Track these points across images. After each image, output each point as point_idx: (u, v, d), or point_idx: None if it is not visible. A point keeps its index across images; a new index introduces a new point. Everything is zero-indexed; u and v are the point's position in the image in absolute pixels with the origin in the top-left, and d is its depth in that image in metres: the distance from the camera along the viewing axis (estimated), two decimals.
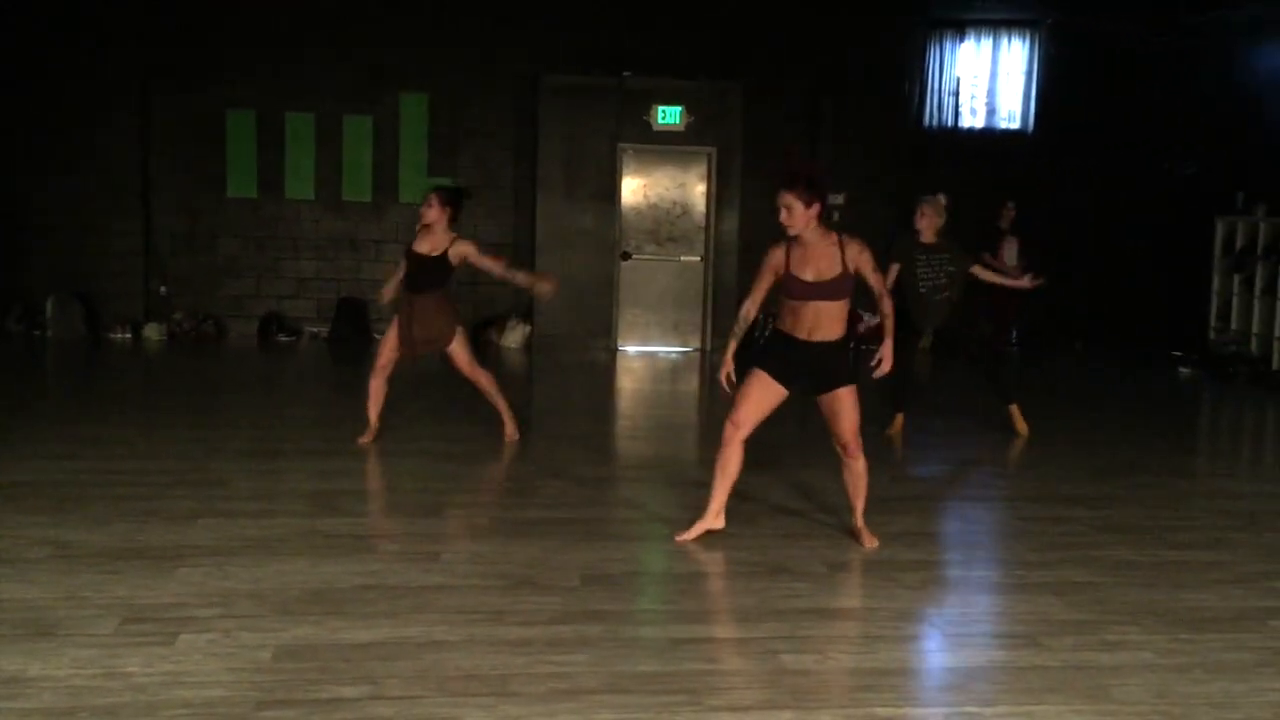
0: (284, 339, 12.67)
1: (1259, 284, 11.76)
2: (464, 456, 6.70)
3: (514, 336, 12.85)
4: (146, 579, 4.22)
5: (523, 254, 13.23)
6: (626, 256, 12.85)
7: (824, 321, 4.77)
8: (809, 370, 4.81)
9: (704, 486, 6.31)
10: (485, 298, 13.28)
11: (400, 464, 6.46)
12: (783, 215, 4.68)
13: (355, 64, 12.73)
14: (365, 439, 6.80)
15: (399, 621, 3.86)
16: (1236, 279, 12.16)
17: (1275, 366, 11.27)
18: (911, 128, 13.51)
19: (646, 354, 12.71)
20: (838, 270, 4.71)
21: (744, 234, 12.94)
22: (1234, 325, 12.17)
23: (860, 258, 4.75)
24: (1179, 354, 12.20)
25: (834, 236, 4.74)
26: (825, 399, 4.85)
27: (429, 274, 6.72)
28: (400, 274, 6.93)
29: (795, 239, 4.73)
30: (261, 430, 7.30)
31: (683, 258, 12.93)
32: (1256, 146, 12.06)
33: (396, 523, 5.17)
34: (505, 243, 13.33)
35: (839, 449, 4.93)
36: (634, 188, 12.87)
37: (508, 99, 12.96)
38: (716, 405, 10.28)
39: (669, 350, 12.89)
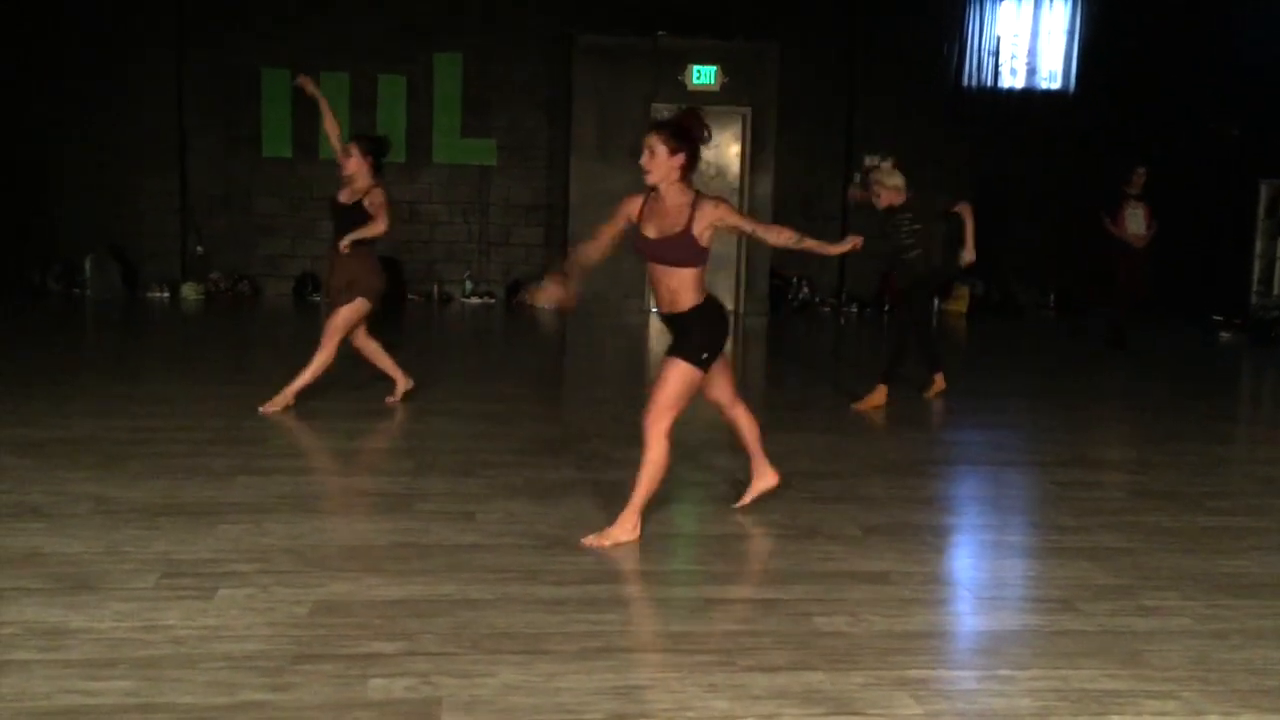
0: (318, 299, 12.75)
1: None
2: (496, 417, 6.73)
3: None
4: (186, 534, 4.27)
5: (557, 215, 13.23)
6: None
7: (671, 295, 4.36)
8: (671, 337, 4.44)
9: (736, 449, 6.31)
10: (520, 259, 13.30)
11: (433, 424, 6.49)
12: (644, 157, 4.33)
13: (389, 22, 12.71)
14: (398, 394, 6.83)
15: (434, 579, 3.89)
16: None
17: None
18: (950, 88, 13.34)
19: None
20: (680, 228, 4.30)
21: (778, 195, 12.86)
22: (1276, 289, 11.99)
23: (717, 213, 4.33)
24: (1220, 318, 12.05)
25: (691, 195, 4.35)
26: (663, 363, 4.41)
27: (349, 223, 6.56)
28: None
29: (654, 192, 4.39)
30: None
31: None
32: None
33: (431, 482, 5.21)
34: (539, 204, 13.33)
35: (647, 415, 4.37)
36: None
37: (542, 59, 12.91)
38: (750, 369, 10.26)
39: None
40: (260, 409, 6.48)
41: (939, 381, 7.71)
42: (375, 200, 6.46)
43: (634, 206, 4.46)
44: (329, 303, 6.73)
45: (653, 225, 4.36)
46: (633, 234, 4.45)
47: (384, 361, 6.92)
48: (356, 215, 6.49)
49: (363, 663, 3.19)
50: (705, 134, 4.42)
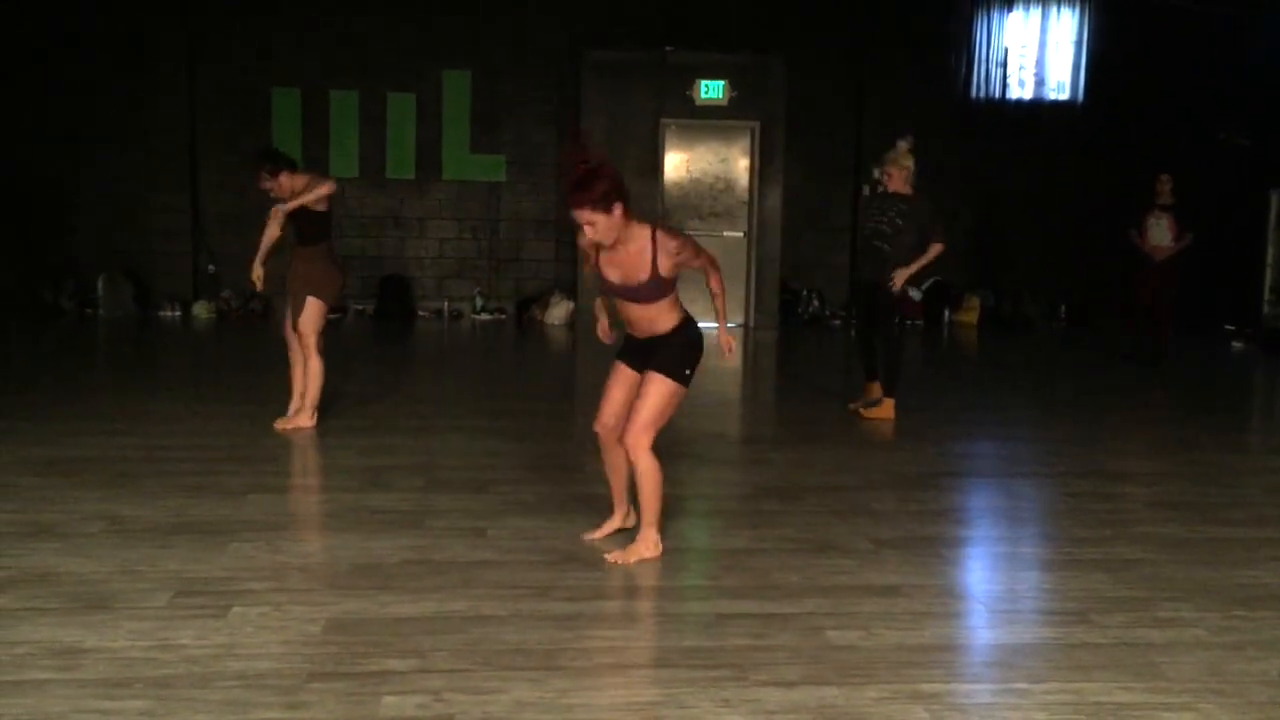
0: (330, 317, 12.77)
1: None
2: (508, 433, 6.73)
3: (557, 313, 12.88)
4: (199, 553, 4.28)
5: (566, 230, 13.24)
6: None
7: (649, 324, 4.31)
8: (645, 355, 4.37)
9: (747, 463, 6.31)
10: (530, 274, 13.33)
11: (445, 441, 6.50)
12: (587, 232, 4.09)
13: (399, 41, 12.78)
14: (290, 422, 6.60)
15: (447, 596, 3.89)
16: None
17: None
18: (958, 99, 13.36)
19: None
20: (645, 274, 4.17)
21: (787, 209, 12.87)
22: None
23: (679, 259, 4.20)
24: (1232, 328, 12.01)
25: (647, 231, 4.18)
26: (642, 378, 4.33)
27: (307, 222, 6.83)
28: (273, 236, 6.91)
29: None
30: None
31: (725, 233, 12.88)
32: None
33: (442, 498, 5.21)
34: (548, 220, 13.35)
35: (626, 432, 4.29)
36: (676, 163, 12.83)
37: (550, 75, 12.96)
38: (760, 382, 10.25)
39: (711, 326, 12.83)
40: (276, 425, 6.50)
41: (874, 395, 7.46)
42: (311, 183, 6.73)
43: (587, 248, 4.26)
44: (293, 306, 6.78)
45: (614, 270, 4.24)
46: (596, 275, 4.34)
47: (298, 380, 6.70)
48: (308, 214, 6.77)
49: (376, 680, 3.20)
50: (590, 146, 4.18)
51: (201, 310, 12.68)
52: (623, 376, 4.45)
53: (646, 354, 4.36)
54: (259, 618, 3.64)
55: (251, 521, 4.74)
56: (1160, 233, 9.90)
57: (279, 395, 7.01)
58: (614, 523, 4.68)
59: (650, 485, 4.28)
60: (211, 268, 12.90)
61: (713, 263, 4.46)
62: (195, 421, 6.84)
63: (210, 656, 3.33)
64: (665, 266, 4.19)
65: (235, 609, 3.71)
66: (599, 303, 4.58)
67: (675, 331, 4.33)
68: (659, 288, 4.23)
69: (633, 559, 4.31)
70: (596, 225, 4.06)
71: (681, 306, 4.38)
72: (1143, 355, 10.16)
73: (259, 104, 12.71)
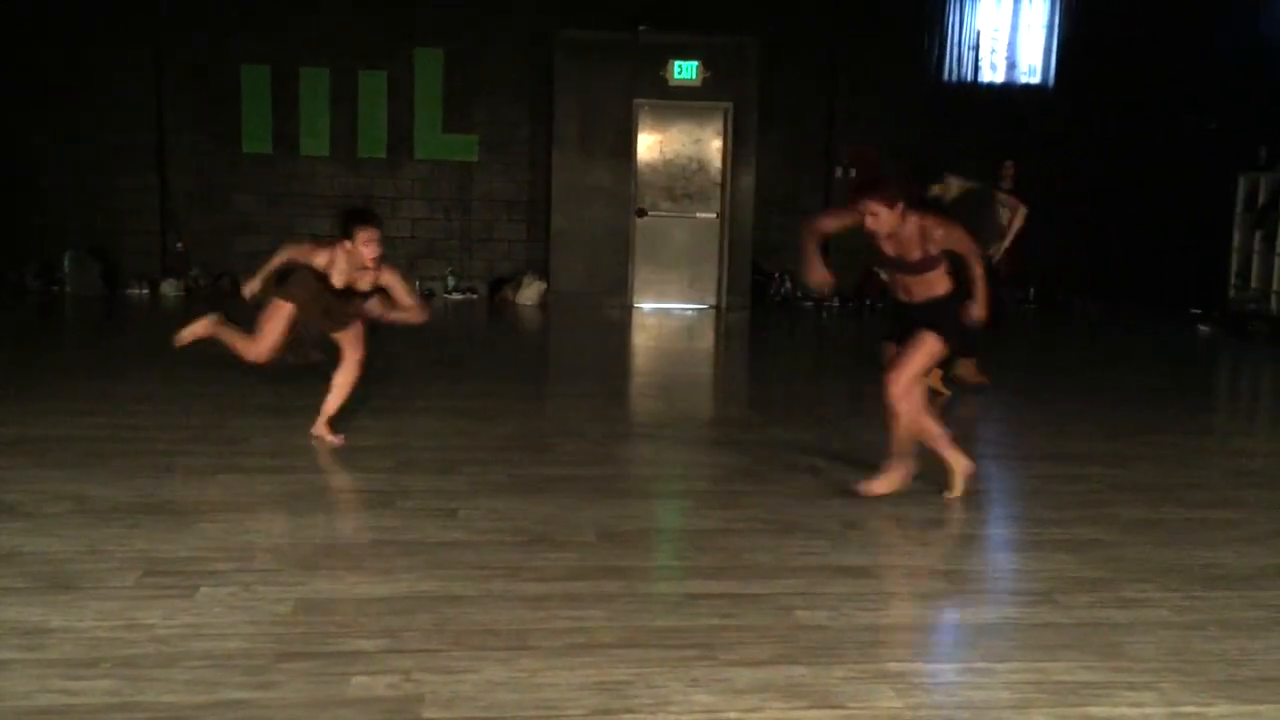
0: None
1: None
2: (479, 413, 6.72)
3: (529, 293, 12.86)
4: (166, 533, 4.26)
5: (539, 210, 13.22)
6: (642, 213, 12.81)
7: (924, 288, 4.98)
8: (912, 324, 5.03)
9: (718, 444, 6.33)
10: (502, 254, 13.29)
11: (415, 421, 6.49)
12: (869, 220, 4.85)
13: (369, 18, 12.67)
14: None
15: (416, 576, 3.89)
16: (1258, 236, 12.06)
17: None
18: (930, 82, 13.39)
19: (661, 311, 12.70)
20: (918, 254, 4.89)
21: (760, 190, 12.88)
22: (1254, 283, 12.08)
23: (947, 240, 4.90)
24: (1198, 311, 12.13)
25: (918, 222, 4.88)
26: (911, 338, 5.00)
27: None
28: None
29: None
30: (278, 387, 7.34)
31: (698, 214, 12.88)
32: None
33: (413, 479, 5.20)
34: (521, 200, 13.31)
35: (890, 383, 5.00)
36: (650, 144, 12.81)
37: (523, 54, 12.89)
38: (732, 362, 10.28)
39: (684, 307, 12.88)
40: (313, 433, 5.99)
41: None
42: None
43: (868, 221, 4.88)
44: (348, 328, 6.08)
45: (891, 244, 4.93)
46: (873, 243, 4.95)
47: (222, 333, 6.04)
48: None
49: (345, 660, 3.19)
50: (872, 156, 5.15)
51: (169, 289, 12.57)
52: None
53: (916, 318, 5.00)
54: (227, 597, 3.63)
55: (220, 501, 4.72)
56: (1006, 214, 10.68)
57: (247, 375, 6.96)
58: (894, 480, 5.10)
59: (912, 425, 5.00)
60: (180, 246, 12.78)
61: (974, 252, 5.05)
62: (163, 401, 6.79)
63: (178, 636, 3.32)
64: (935, 249, 4.91)
65: (203, 589, 3.70)
66: (811, 246, 5.09)
67: (951, 295, 4.99)
68: (929, 262, 4.92)
69: (878, 490, 5.01)
70: (879, 216, 4.82)
71: (949, 277, 5.00)
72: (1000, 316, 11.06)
73: (228, 81, 12.58)
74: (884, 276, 5.29)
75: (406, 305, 5.84)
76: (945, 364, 7.65)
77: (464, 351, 8.74)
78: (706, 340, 11.29)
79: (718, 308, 12.85)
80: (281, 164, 12.82)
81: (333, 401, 5.98)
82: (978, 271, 5.00)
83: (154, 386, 7.24)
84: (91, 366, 8.28)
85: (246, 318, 5.99)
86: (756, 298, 13.12)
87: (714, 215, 12.87)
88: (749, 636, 3.47)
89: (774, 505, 4.93)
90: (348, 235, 5.61)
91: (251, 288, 5.86)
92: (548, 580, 3.90)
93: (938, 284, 4.99)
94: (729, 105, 12.61)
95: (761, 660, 3.29)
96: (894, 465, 5.10)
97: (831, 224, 5.19)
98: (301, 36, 12.58)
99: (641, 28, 12.37)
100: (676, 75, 12.52)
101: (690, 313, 12.69)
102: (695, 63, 12.49)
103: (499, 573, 3.95)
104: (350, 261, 5.65)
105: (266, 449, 5.69)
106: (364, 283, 5.74)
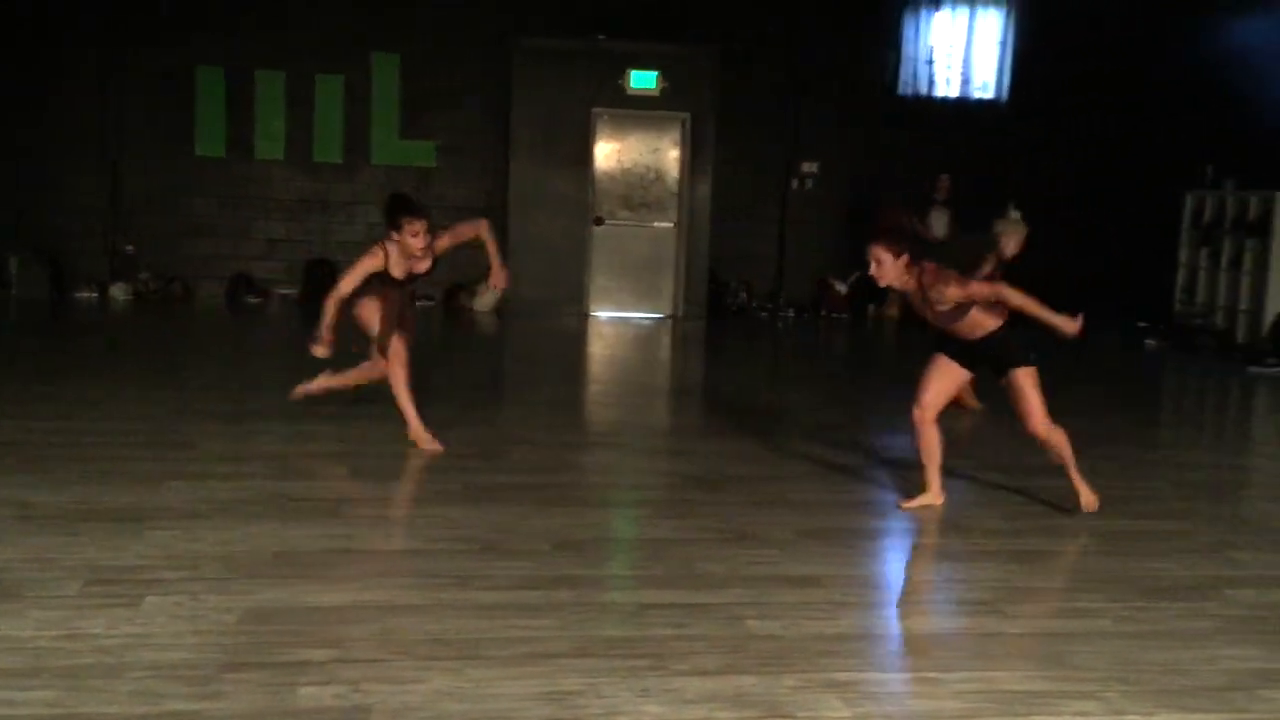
0: (253, 300, 12.58)
1: (1225, 257, 11.88)
2: (432, 420, 6.67)
3: (485, 300, 12.81)
4: (112, 541, 4.20)
5: (495, 217, 13.14)
6: (599, 222, 12.82)
7: (970, 329, 4.96)
8: (980, 359, 5.07)
9: (672, 453, 6.34)
10: (459, 261, 13.21)
11: (368, 428, 6.44)
12: (872, 267, 4.81)
13: (327, 21, 12.59)
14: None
15: (366, 585, 3.86)
16: (1204, 252, 12.27)
17: (1240, 340, 11.41)
18: (886, 96, 13.51)
19: (618, 320, 12.71)
20: (945, 306, 4.87)
21: (717, 200, 12.93)
22: (1200, 298, 12.30)
23: (958, 294, 4.84)
24: (1145, 325, 12.32)
25: (929, 277, 4.81)
26: (1007, 381, 5.05)
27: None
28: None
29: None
30: (230, 392, 7.26)
31: (655, 223, 12.91)
32: (1227, 119, 12.13)
33: (365, 487, 5.16)
34: (477, 206, 13.24)
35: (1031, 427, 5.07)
36: (607, 152, 12.82)
37: (481, 61, 12.86)
38: (687, 372, 10.30)
39: (641, 316, 12.89)
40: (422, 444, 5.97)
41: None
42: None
43: (873, 269, 4.88)
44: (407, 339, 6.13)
45: (918, 301, 4.93)
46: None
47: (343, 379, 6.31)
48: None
49: (292, 670, 3.16)
50: (911, 224, 5.08)
51: (119, 292, 12.40)
52: (947, 367, 5.07)
53: (977, 353, 5.02)
54: (173, 607, 3.58)
55: (167, 509, 4.66)
56: (941, 224, 11.66)
57: (198, 381, 6.90)
58: (927, 498, 5.15)
59: (1066, 451, 5.09)
60: (130, 248, 12.61)
61: (998, 293, 4.94)
62: (110, 406, 6.70)
63: (121, 646, 3.27)
64: (956, 298, 4.84)
65: (149, 598, 3.64)
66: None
67: (1001, 327, 4.95)
68: (958, 310, 4.88)
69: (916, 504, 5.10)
70: (883, 264, 4.78)
71: (996, 307, 4.94)
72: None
73: (182, 83, 12.44)
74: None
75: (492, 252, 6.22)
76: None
77: (419, 358, 8.66)
78: (663, 349, 11.31)
79: (674, 317, 12.88)
80: (235, 167, 12.70)
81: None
82: (1018, 302, 4.87)
83: (101, 392, 7.13)
84: (37, 371, 8.15)
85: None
86: (713, 307, 13.16)
87: (671, 224, 12.90)
88: (700, 646, 3.48)
89: (727, 514, 4.94)
90: (395, 227, 5.77)
91: (323, 346, 5.83)
92: (499, 589, 3.89)
93: (985, 321, 4.94)
94: (687, 115, 12.65)
95: (711, 670, 3.30)
96: (1078, 487, 5.16)
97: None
98: (257, 39, 12.47)
99: (600, 36, 12.39)
100: (635, 84, 12.54)
101: (647, 321, 12.71)
102: (654, 72, 12.52)
103: (450, 582, 3.93)
104: (402, 252, 5.82)
105: (217, 455, 5.63)
106: (422, 266, 5.96)
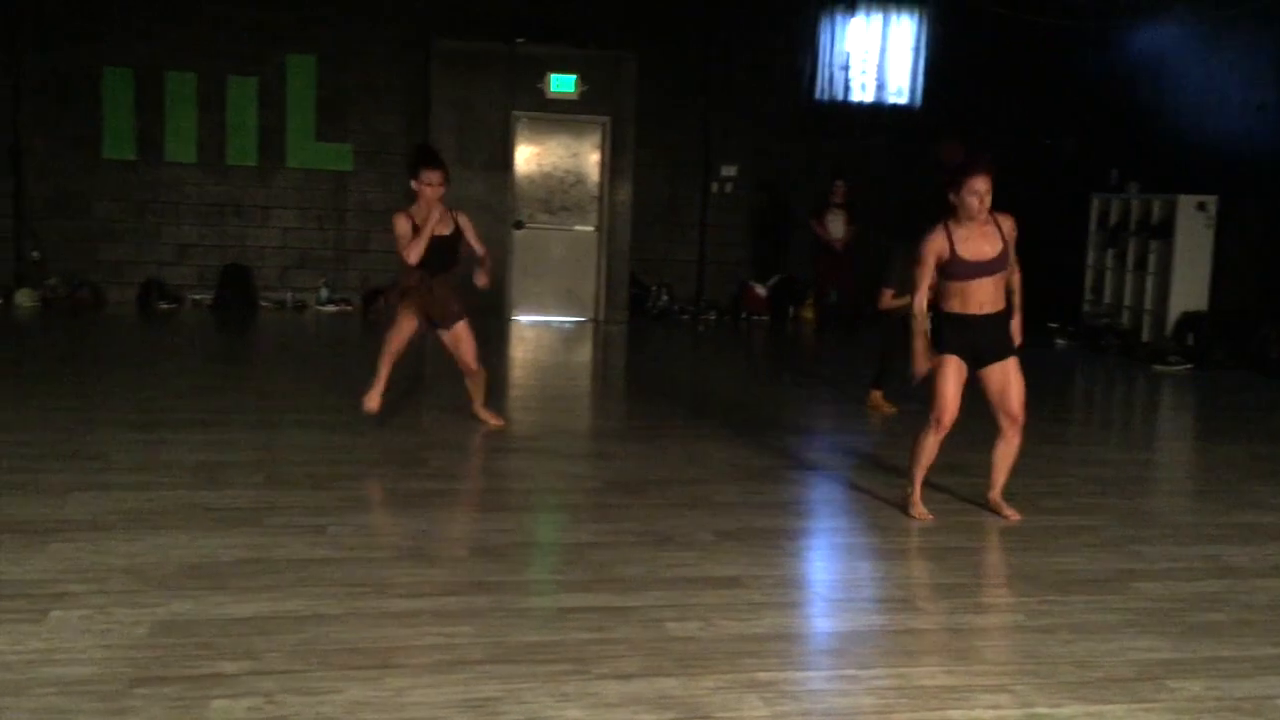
0: (165, 306, 12.31)
1: (1130, 259, 12.21)
2: (350, 427, 6.61)
3: None
4: (15, 554, 4.08)
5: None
6: (520, 225, 12.77)
7: (995, 295, 4.97)
8: (982, 343, 5.00)
9: (593, 457, 6.35)
10: (378, 266, 13.07)
11: (285, 435, 6.35)
12: (979, 202, 4.83)
13: (239, 21, 12.36)
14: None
15: (282, 595, 3.80)
16: (1110, 254, 12.60)
17: (1144, 339, 11.74)
18: (803, 101, 13.66)
19: (540, 324, 12.67)
20: (1000, 246, 4.92)
21: (638, 204, 12.96)
22: (1106, 299, 12.63)
23: (1011, 228, 5.00)
24: (1055, 326, 12.61)
25: (984, 215, 4.91)
26: (994, 369, 5.04)
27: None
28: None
29: (953, 222, 4.92)
30: (141, 401, 7.09)
31: (576, 227, 12.90)
32: (1132, 126, 12.49)
33: (281, 495, 5.08)
34: (396, 209, 13.10)
35: (1002, 419, 5.12)
36: (527, 156, 12.78)
37: (398, 63, 12.74)
38: (609, 375, 10.31)
39: (562, 320, 12.87)
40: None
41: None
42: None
43: (941, 245, 4.91)
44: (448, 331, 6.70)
45: (969, 249, 4.87)
46: (950, 264, 4.90)
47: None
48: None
49: (205, 683, 3.11)
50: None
51: (24, 298, 12.04)
52: (960, 372, 5.03)
53: (987, 338, 4.97)
54: (80, 621, 3.50)
55: (74, 521, 4.54)
56: (837, 226, 12.18)
57: (108, 389, 6.72)
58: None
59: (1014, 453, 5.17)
60: (36, 254, 12.25)
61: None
62: (14, 416, 6.50)
63: (25, 663, 3.18)
64: (1011, 238, 4.94)
65: (54, 612, 3.55)
66: (919, 327, 5.03)
67: (1009, 305, 5.01)
68: (1004, 258, 4.91)
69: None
70: (984, 198, 4.84)
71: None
72: (835, 323, 12.45)
73: (89, 83, 12.12)
74: (949, 299, 5.04)
75: (480, 251, 6.43)
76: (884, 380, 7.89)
77: (337, 364, 8.57)
78: (584, 352, 11.30)
79: (596, 320, 12.88)
80: (145, 170, 12.41)
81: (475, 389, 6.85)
82: (1019, 281, 5.05)
83: (4, 401, 6.92)
84: None
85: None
86: (634, 310, 13.19)
87: (592, 228, 12.90)
88: (620, 649, 3.48)
89: (647, 517, 4.96)
90: (414, 176, 6.15)
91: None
92: (417, 596, 3.86)
93: (1002, 291, 4.99)
94: (607, 119, 12.66)
95: (632, 673, 3.31)
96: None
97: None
98: (168, 39, 12.20)
99: (519, 40, 12.35)
100: (554, 88, 12.52)
101: (569, 325, 12.69)
102: (573, 76, 12.51)
103: (367, 590, 3.89)
104: (422, 203, 6.15)
105: (126, 465, 5.50)
106: (443, 228, 6.24)
